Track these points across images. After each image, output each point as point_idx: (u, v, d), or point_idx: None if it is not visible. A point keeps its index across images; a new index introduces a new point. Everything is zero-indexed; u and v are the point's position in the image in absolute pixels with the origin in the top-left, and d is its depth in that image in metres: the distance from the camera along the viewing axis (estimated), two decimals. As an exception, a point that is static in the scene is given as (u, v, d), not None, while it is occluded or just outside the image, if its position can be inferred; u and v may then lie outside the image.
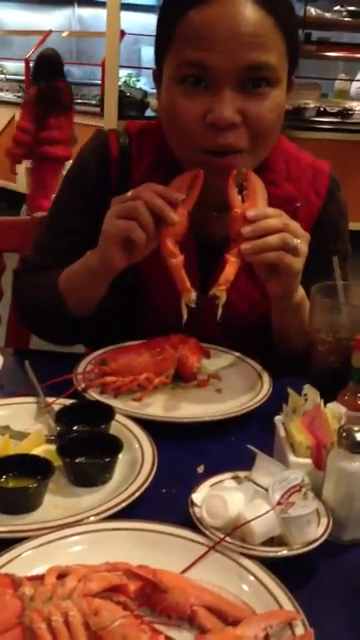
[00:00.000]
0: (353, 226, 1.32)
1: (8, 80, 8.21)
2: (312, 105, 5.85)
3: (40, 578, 0.60)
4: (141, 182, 1.07)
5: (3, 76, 8.36)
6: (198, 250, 1.20)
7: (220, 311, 1.02)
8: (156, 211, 1.01)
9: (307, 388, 0.90)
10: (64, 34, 7.89)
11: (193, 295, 1.04)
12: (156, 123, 1.23)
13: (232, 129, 1.03)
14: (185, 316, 1.05)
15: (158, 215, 1.01)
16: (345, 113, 6.00)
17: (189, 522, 0.76)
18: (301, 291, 1.11)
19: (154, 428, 0.97)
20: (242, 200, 1.04)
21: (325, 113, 5.92)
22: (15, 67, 8.00)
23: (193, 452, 0.96)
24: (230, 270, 1.01)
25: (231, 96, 1.01)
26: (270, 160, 1.18)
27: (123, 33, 5.65)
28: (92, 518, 0.76)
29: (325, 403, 0.88)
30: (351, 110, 6.06)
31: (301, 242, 1.02)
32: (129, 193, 1.04)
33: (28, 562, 0.68)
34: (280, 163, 1.21)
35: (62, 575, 0.61)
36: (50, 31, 7.38)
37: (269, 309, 1.16)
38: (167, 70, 1.07)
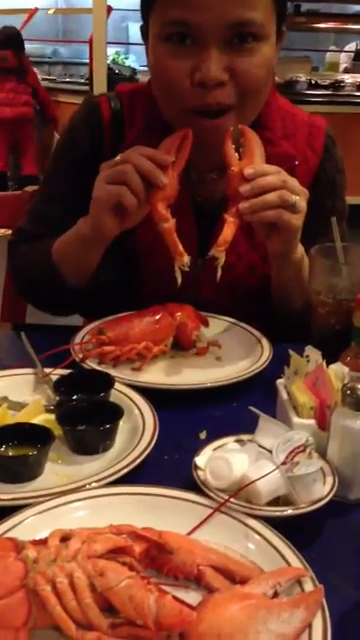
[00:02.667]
0: (348, 200, 1.30)
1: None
2: (303, 78, 5.78)
3: (43, 542, 0.59)
4: (134, 144, 1.05)
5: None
6: (195, 212, 1.18)
7: (219, 272, 1.00)
8: (145, 175, 0.99)
9: (309, 349, 0.88)
10: (50, 11, 7.76)
11: (186, 259, 1.02)
12: (147, 84, 1.20)
13: (220, 87, 1.01)
14: (179, 280, 1.03)
15: (148, 179, 0.99)
16: (337, 85, 5.93)
17: (192, 487, 0.75)
18: (300, 249, 1.09)
19: (154, 396, 0.95)
20: (239, 158, 1.02)
21: (316, 86, 5.85)
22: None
23: (194, 419, 0.95)
24: (228, 231, 0.99)
25: (218, 53, 0.99)
26: (266, 118, 1.16)
27: (110, 9, 5.55)
28: (92, 485, 0.75)
29: (327, 365, 0.87)
30: (342, 82, 5.99)
31: (300, 199, 1.00)
32: (117, 157, 1.02)
33: (31, 528, 0.67)
34: (277, 120, 1.19)
35: (65, 538, 0.59)
36: (36, 9, 7.25)
37: (268, 271, 1.14)
38: (152, 27, 1.05)
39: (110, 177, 1.01)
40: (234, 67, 1.01)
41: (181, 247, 1.02)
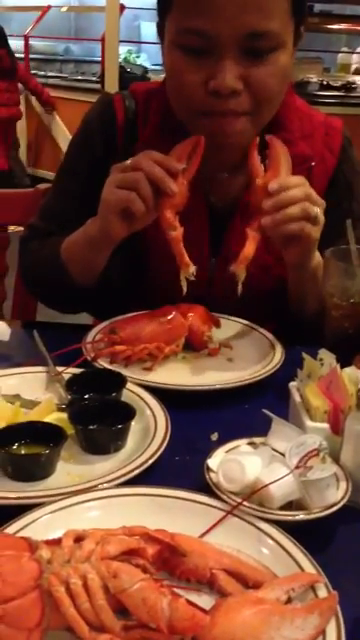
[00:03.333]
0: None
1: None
2: (315, 79, 5.76)
3: (57, 542, 0.59)
4: (147, 144, 1.05)
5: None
6: (208, 211, 1.18)
7: (240, 288, 1.01)
8: (156, 181, 0.99)
9: (322, 352, 0.88)
10: (63, 9, 7.76)
11: (192, 269, 1.03)
12: (161, 84, 1.20)
13: (234, 96, 1.01)
14: (185, 289, 1.03)
15: (157, 186, 0.99)
16: (348, 87, 5.91)
17: (204, 489, 0.75)
18: (317, 256, 1.09)
19: (166, 397, 0.95)
20: (265, 169, 1.01)
21: (328, 87, 5.84)
22: (14, 44, 7.87)
23: (206, 420, 0.95)
24: (250, 246, 0.99)
25: (233, 63, 0.99)
26: (284, 119, 1.16)
27: (123, 7, 5.55)
28: (104, 485, 0.75)
29: (341, 369, 0.86)
30: (354, 84, 5.97)
31: (319, 210, 1.00)
32: (128, 161, 1.01)
33: (44, 527, 0.67)
34: (294, 121, 1.19)
35: (79, 538, 0.59)
36: (49, 6, 7.26)
37: (282, 272, 1.14)
38: (169, 30, 1.05)
39: (120, 182, 1.00)
40: (249, 77, 1.00)
41: (187, 257, 1.02)
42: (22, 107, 6.93)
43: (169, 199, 1.00)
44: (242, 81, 1.00)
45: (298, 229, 0.98)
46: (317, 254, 1.08)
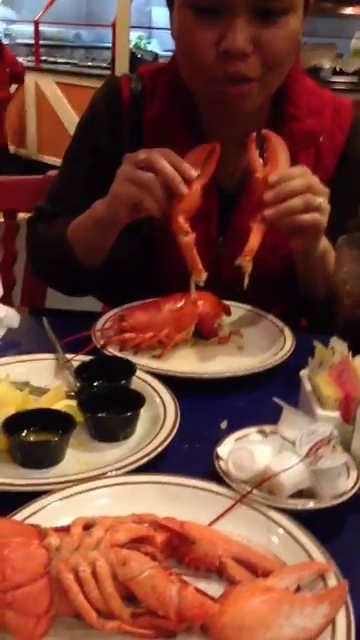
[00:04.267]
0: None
1: (17, 44, 8.07)
2: (328, 65, 5.69)
3: (66, 529, 0.59)
4: (155, 119, 1.03)
5: (12, 40, 8.21)
6: (217, 189, 1.17)
7: (247, 280, 1.00)
8: (168, 183, 0.98)
9: (334, 340, 0.87)
10: (73, -5, 7.72)
11: (204, 276, 1.02)
12: (169, 63, 1.20)
13: (244, 58, 0.99)
14: (193, 295, 1.03)
15: (169, 187, 0.98)
16: (362, 73, 5.83)
17: (213, 477, 0.75)
18: (324, 242, 1.07)
19: (175, 384, 0.94)
20: (264, 163, 1.00)
21: (341, 73, 5.77)
22: (24, 30, 7.85)
23: (215, 408, 0.94)
24: (255, 239, 0.98)
25: (244, 24, 0.98)
26: (292, 94, 1.15)
27: (134, -8, 5.50)
28: (113, 472, 0.75)
29: (352, 357, 0.86)
30: (368, 70, 5.89)
31: (323, 199, 0.99)
32: (142, 155, 1.00)
33: (53, 514, 0.66)
34: (302, 97, 1.17)
35: (88, 526, 0.59)
36: (59, -8, 7.22)
37: (290, 252, 1.12)
38: None
39: (133, 178, 0.99)
40: (259, 39, 0.99)
41: (200, 264, 1.02)
42: (32, 94, 6.95)
43: (180, 202, 1.00)
44: (252, 44, 0.99)
45: (302, 220, 0.97)
46: (324, 239, 1.07)
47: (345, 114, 1.21)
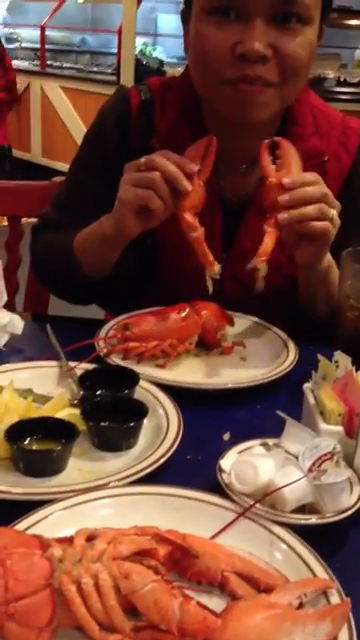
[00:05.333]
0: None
1: (23, 48, 8.10)
2: (332, 75, 5.71)
3: (69, 540, 0.59)
4: (165, 136, 1.03)
5: (18, 44, 8.24)
6: (221, 206, 1.17)
7: (262, 283, 1.00)
8: (171, 180, 0.98)
9: (338, 354, 0.87)
10: (80, 0, 7.74)
11: (217, 268, 1.02)
12: (179, 78, 1.20)
13: (262, 62, 1.00)
14: (211, 289, 1.03)
15: (173, 185, 0.99)
16: (366, 84, 5.85)
17: (215, 489, 0.75)
18: (329, 258, 1.08)
19: (178, 394, 0.94)
20: (276, 169, 1.01)
21: (345, 83, 5.79)
22: (31, 35, 7.87)
23: (218, 419, 0.94)
24: (269, 241, 0.98)
25: (263, 28, 0.98)
26: (297, 113, 1.15)
27: (140, -1, 5.53)
28: (114, 483, 0.75)
29: (356, 371, 0.86)
30: (372, 81, 5.91)
31: (335, 212, 0.99)
32: (143, 160, 1.01)
33: (55, 524, 0.66)
34: (307, 117, 1.18)
35: (91, 537, 0.59)
36: (65, -3, 7.25)
37: (293, 271, 1.13)
38: (196, 3, 1.04)
39: (136, 181, 1.00)
40: (278, 45, 1.00)
41: (211, 256, 1.02)
42: (37, 98, 6.97)
43: (187, 200, 1.00)
44: (271, 49, 0.99)
45: (314, 228, 0.97)
46: (328, 256, 1.07)
47: (352, 136, 1.21)
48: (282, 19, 0.99)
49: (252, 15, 0.98)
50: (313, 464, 0.73)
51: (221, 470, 0.76)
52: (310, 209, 0.96)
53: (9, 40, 7.87)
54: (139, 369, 1.00)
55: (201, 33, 1.03)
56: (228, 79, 1.02)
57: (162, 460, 0.80)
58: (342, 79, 5.82)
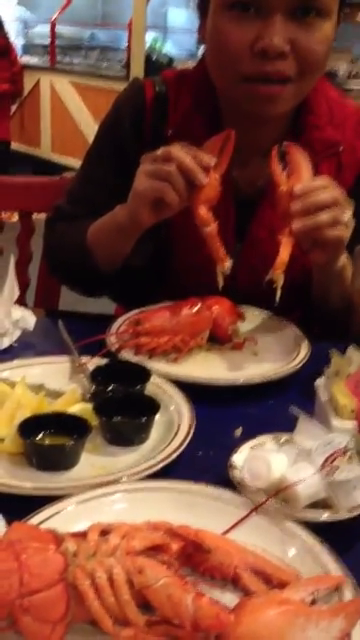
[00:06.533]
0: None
1: (33, 44, 8.09)
2: (343, 70, 5.68)
3: (83, 535, 0.59)
4: (178, 127, 1.03)
5: (28, 40, 8.24)
6: (235, 196, 1.17)
7: (279, 294, 0.99)
8: (187, 173, 0.98)
9: (351, 350, 0.87)
10: (90, -4, 7.73)
11: (228, 263, 1.02)
12: (194, 70, 1.19)
13: (281, 58, 1.00)
14: (221, 284, 1.03)
15: (189, 177, 0.98)
16: (377, 78, 5.82)
17: (227, 485, 0.75)
18: (343, 257, 1.07)
19: (189, 390, 0.94)
20: (286, 175, 1.00)
21: (357, 77, 5.75)
22: (40, 31, 7.87)
23: (229, 415, 0.94)
24: (285, 252, 0.98)
25: (282, 24, 0.98)
26: (312, 103, 1.15)
27: (150, -6, 5.51)
28: (126, 478, 0.75)
29: (369, 367, 0.85)
30: (384, 75, 5.88)
31: (349, 213, 0.98)
32: (159, 151, 1.00)
33: (68, 519, 0.67)
34: (323, 106, 1.17)
35: (104, 532, 0.59)
36: (75, -8, 7.24)
37: (307, 262, 1.12)
38: None
39: (152, 173, 1.00)
40: (296, 40, 0.99)
41: (224, 252, 1.02)
42: (47, 94, 6.98)
43: (202, 193, 1.00)
44: (289, 44, 0.99)
45: (327, 236, 0.97)
46: (343, 255, 1.07)
47: None
48: (301, 13, 0.98)
49: (272, 10, 0.98)
50: (326, 460, 0.72)
51: (233, 466, 0.76)
52: (324, 217, 0.95)
53: (19, 36, 7.88)
54: (150, 364, 1.00)
55: (220, 28, 1.02)
56: (247, 75, 1.02)
57: (174, 455, 0.80)
58: (354, 73, 5.79)
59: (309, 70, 1.03)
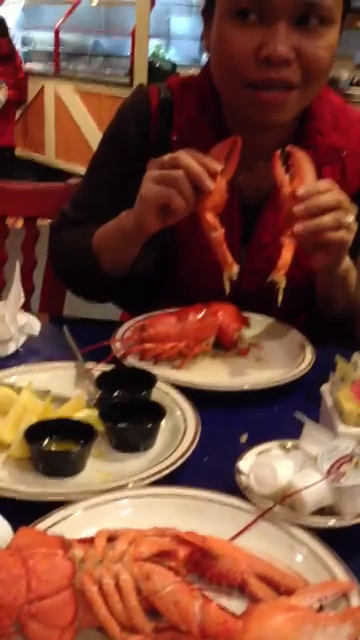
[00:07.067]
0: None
1: (37, 51, 8.14)
2: (345, 76, 5.70)
3: (90, 541, 0.59)
4: (183, 133, 1.03)
5: (32, 47, 8.29)
6: (240, 200, 1.17)
7: (281, 296, 1.00)
8: (194, 179, 0.98)
9: (357, 355, 0.87)
10: (93, 3, 7.76)
11: (235, 269, 1.02)
12: (199, 76, 1.20)
13: (285, 65, 1.00)
14: (227, 290, 1.03)
15: (196, 183, 0.99)
16: (380, 85, 5.83)
17: (233, 490, 0.74)
18: (346, 260, 1.07)
19: (195, 396, 0.94)
20: (290, 179, 1.00)
21: (359, 84, 5.77)
22: (44, 38, 7.92)
23: (235, 421, 0.94)
24: (287, 254, 0.98)
25: (286, 31, 0.98)
26: (316, 109, 1.15)
27: (153, 2, 5.54)
28: (133, 484, 0.75)
29: (374, 373, 0.85)
30: (386, 81, 5.89)
31: (352, 217, 0.98)
32: (166, 157, 1.01)
33: (75, 524, 0.66)
34: (326, 112, 1.18)
35: (112, 538, 0.59)
36: (79, 0, 7.28)
37: (311, 265, 1.12)
38: (219, 3, 1.04)
39: (159, 178, 1.00)
40: (300, 48, 1.00)
41: (231, 257, 1.02)
42: (51, 101, 7.01)
43: (208, 199, 1.00)
44: (294, 52, 1.00)
45: (330, 239, 0.97)
46: (347, 258, 1.07)
47: None
48: (305, 21, 0.99)
49: (276, 18, 0.98)
50: (332, 466, 0.72)
51: (239, 472, 0.76)
52: (326, 219, 0.95)
53: (24, 43, 7.93)
54: (156, 370, 1.00)
55: (224, 35, 1.03)
56: (251, 82, 1.02)
57: (180, 462, 0.80)
58: (356, 80, 5.80)
59: (313, 77, 1.03)
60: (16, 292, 1.11)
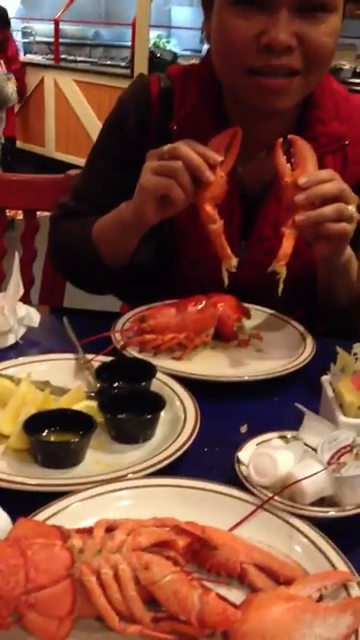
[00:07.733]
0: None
1: (37, 42, 8.11)
2: (348, 66, 5.67)
3: (88, 531, 0.59)
4: (184, 122, 1.02)
5: (32, 38, 8.25)
6: (241, 192, 1.17)
7: (281, 286, 0.99)
8: (194, 170, 0.98)
9: (357, 347, 0.86)
10: (93, -7, 7.74)
11: (234, 261, 1.02)
12: (200, 64, 1.19)
13: (287, 52, 0.99)
14: (226, 282, 1.03)
15: (195, 174, 0.98)
16: (382, 74, 5.80)
17: (233, 481, 0.74)
18: (348, 251, 1.06)
19: (194, 387, 0.94)
20: (292, 168, 0.99)
21: (361, 74, 5.74)
22: (44, 29, 7.88)
23: (235, 412, 0.94)
24: (288, 244, 0.97)
25: (287, 18, 0.97)
26: (318, 97, 1.15)
27: (154, -9, 5.51)
28: (134, 475, 0.75)
29: (375, 363, 0.85)
30: (388, 71, 5.86)
31: (354, 207, 0.98)
32: (166, 148, 1.00)
33: (74, 515, 0.66)
34: (328, 101, 1.17)
35: (110, 528, 0.59)
36: (79, -10, 7.24)
37: (312, 257, 1.12)
38: None
39: (158, 169, 0.99)
40: (302, 34, 0.99)
41: (229, 250, 1.01)
42: (51, 92, 6.98)
43: (207, 191, 0.99)
44: (296, 38, 0.99)
45: (331, 229, 0.96)
46: (348, 249, 1.06)
47: None
48: (306, 8, 0.98)
49: (277, 5, 0.97)
50: (332, 457, 0.72)
51: (239, 462, 0.76)
52: (328, 210, 0.95)
53: (24, 34, 7.89)
54: (156, 361, 1.00)
55: (225, 23, 1.02)
56: (253, 67, 1.02)
57: (180, 452, 0.80)
58: (358, 70, 5.77)
59: (316, 63, 1.02)
60: (15, 284, 1.11)
